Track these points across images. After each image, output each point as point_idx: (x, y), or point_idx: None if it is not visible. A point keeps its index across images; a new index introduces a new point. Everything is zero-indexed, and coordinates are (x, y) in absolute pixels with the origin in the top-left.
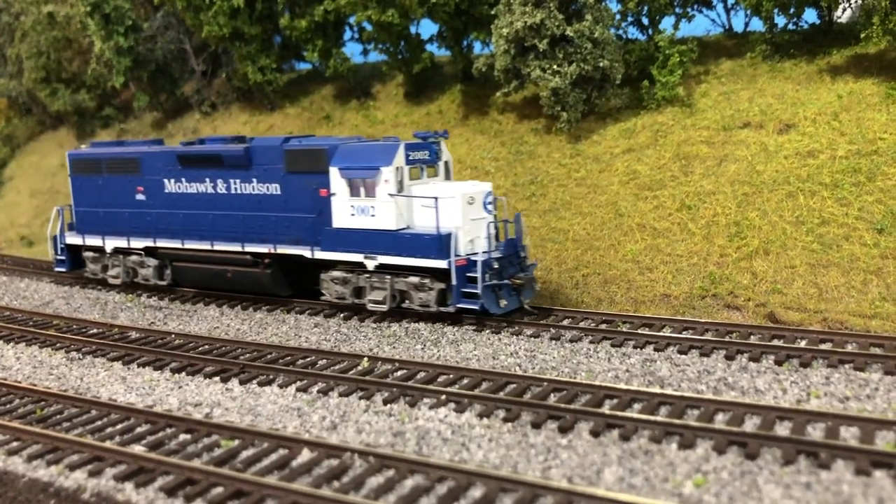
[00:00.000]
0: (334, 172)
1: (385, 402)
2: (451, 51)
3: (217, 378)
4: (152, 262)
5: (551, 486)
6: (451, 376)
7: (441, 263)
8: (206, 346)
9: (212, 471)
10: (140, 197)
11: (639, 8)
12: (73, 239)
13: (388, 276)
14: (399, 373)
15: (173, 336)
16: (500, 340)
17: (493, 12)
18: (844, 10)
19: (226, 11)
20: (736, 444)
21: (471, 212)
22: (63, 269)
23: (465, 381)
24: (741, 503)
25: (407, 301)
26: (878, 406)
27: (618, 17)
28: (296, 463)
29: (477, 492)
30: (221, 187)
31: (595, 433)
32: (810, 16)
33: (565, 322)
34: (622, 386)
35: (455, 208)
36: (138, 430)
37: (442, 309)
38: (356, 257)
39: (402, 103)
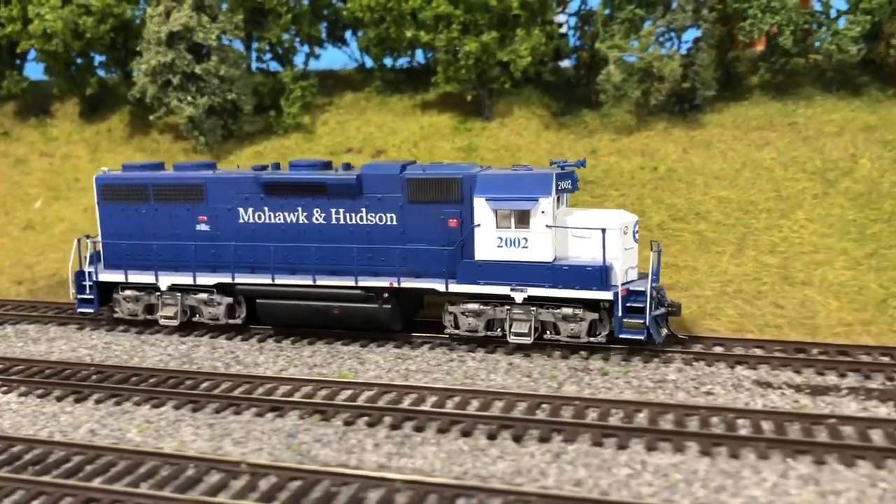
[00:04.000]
0: (480, 203)
1: None
2: (117, 76)
3: None
4: (225, 300)
5: (25, 438)
6: (22, 367)
7: (606, 295)
8: None
9: None
10: (202, 227)
11: (269, 48)
12: (109, 275)
13: (533, 308)
14: None
15: None
16: (90, 337)
17: (138, 48)
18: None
19: None
20: (200, 401)
21: (625, 241)
22: (90, 310)
23: (33, 370)
24: (162, 441)
25: (548, 332)
26: (332, 370)
27: (255, 55)
28: None
29: None
30: (319, 217)
31: (98, 401)
32: (420, 56)
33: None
34: (160, 367)
35: (615, 238)
36: None
37: (591, 340)
38: (501, 290)
39: (76, 121)
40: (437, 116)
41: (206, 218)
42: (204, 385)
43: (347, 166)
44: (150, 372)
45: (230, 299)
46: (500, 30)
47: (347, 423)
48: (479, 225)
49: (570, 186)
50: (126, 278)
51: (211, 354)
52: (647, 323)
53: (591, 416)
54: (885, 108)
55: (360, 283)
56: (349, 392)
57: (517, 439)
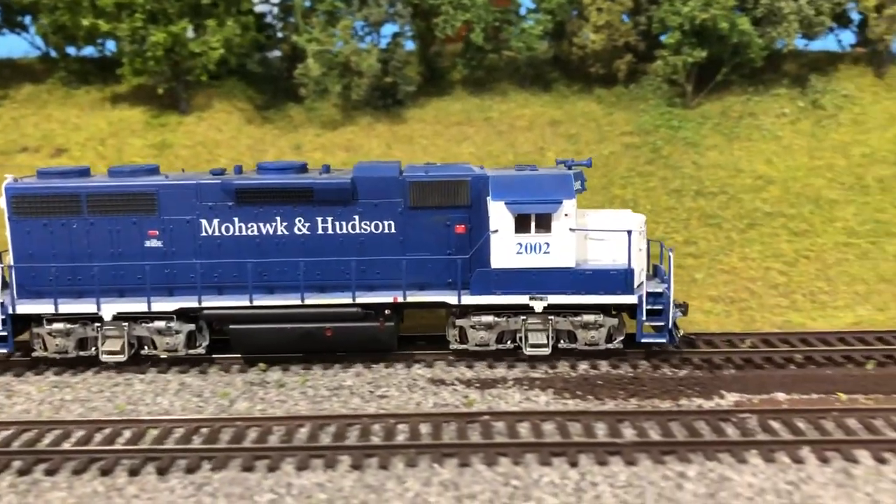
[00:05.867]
0: (497, 207)
1: None
2: None
3: None
4: (185, 327)
5: None
6: None
7: (630, 299)
8: None
9: None
10: (153, 244)
11: None
12: (31, 306)
13: (551, 317)
14: None
15: None
16: None
17: None
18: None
19: None
20: None
21: (640, 242)
22: (4, 351)
23: None
24: None
25: (562, 341)
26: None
27: None
28: None
29: None
30: (302, 227)
31: None
32: (112, 45)
33: None
34: None
35: (635, 240)
36: None
37: (609, 346)
38: (520, 299)
39: None
40: (128, 111)
41: (157, 232)
42: None
43: (327, 168)
44: None
45: (191, 326)
46: (193, 19)
47: None
48: (496, 231)
49: (580, 187)
50: (56, 309)
51: None
52: (670, 325)
53: (251, 436)
54: (570, 103)
55: (360, 300)
56: None
57: (162, 472)
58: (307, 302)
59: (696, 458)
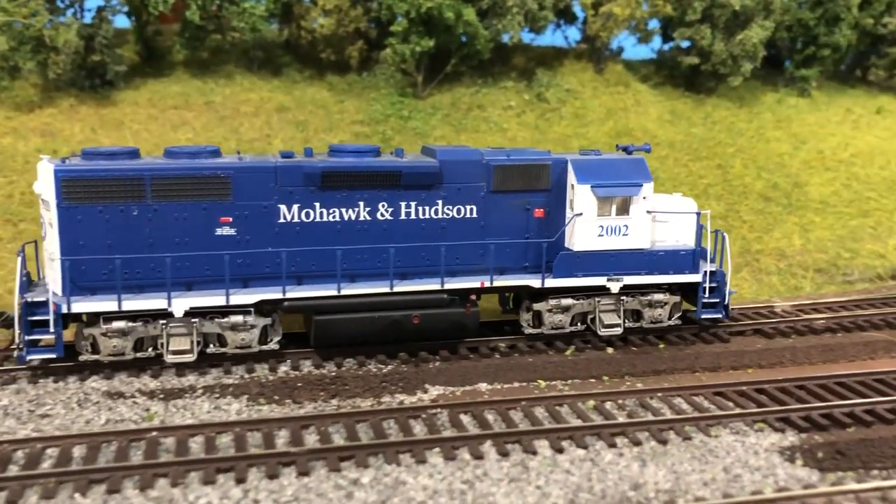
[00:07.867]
0: (583, 190)
1: None
2: None
3: None
4: (261, 321)
5: None
6: None
7: (696, 277)
8: None
9: None
10: (225, 231)
11: None
12: (90, 304)
13: (623, 297)
14: None
15: None
16: None
17: None
18: None
19: None
20: None
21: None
22: (52, 356)
23: None
24: None
25: (627, 321)
26: None
27: None
28: None
29: None
30: (385, 213)
31: None
32: None
33: None
34: None
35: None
36: None
37: (670, 323)
38: (598, 281)
39: None
40: None
41: (230, 219)
42: None
43: (400, 152)
44: None
45: (268, 320)
46: None
47: None
48: (580, 214)
49: None
50: (119, 305)
51: None
52: (727, 301)
53: None
54: (299, 89)
55: (448, 286)
56: None
57: None
58: (396, 289)
59: (376, 461)
